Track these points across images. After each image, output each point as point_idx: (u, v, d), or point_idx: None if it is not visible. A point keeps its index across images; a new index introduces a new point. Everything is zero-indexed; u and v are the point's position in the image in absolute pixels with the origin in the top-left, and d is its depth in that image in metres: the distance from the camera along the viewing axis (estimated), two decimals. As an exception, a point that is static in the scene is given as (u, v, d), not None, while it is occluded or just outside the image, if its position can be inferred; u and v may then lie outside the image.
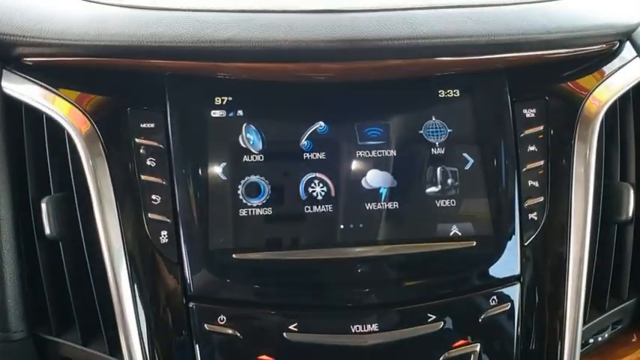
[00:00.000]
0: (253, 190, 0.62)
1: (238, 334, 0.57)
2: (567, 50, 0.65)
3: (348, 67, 0.62)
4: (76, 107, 0.59)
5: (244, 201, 0.61)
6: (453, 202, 0.63)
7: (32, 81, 0.60)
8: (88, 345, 0.60)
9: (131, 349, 0.56)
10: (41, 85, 0.60)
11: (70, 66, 0.61)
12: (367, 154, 0.63)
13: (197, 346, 0.57)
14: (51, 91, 0.60)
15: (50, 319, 0.60)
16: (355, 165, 0.63)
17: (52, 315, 0.60)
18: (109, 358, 0.59)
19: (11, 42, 0.59)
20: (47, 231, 0.59)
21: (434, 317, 0.59)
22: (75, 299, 0.60)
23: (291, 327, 0.57)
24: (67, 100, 0.60)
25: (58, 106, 0.60)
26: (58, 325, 0.60)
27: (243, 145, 0.62)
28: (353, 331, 0.58)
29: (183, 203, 0.59)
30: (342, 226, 0.61)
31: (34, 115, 0.60)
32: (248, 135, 0.63)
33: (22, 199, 0.61)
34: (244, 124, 0.63)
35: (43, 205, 0.59)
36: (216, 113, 0.63)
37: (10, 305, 0.59)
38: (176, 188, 0.60)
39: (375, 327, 0.58)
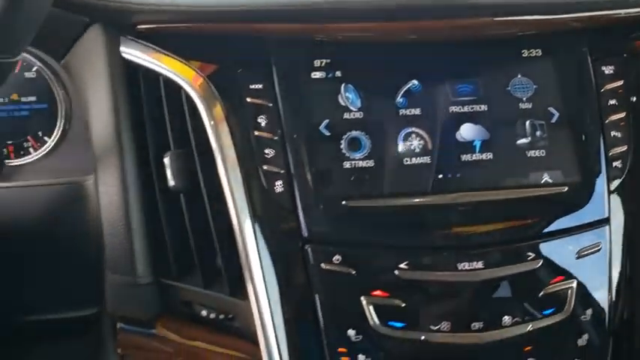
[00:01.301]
0: (355, 144, 0.66)
1: (352, 272, 0.61)
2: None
3: (444, 25, 0.66)
4: (194, 70, 0.64)
5: (347, 154, 0.65)
6: (542, 152, 0.67)
7: (150, 47, 0.65)
8: (208, 288, 0.64)
9: (256, 289, 0.60)
10: (159, 50, 0.65)
11: (182, 32, 0.66)
12: (459, 109, 0.68)
13: (314, 283, 0.61)
14: (168, 55, 0.65)
15: (171, 265, 0.65)
16: (449, 119, 0.68)
17: (174, 262, 0.64)
18: (228, 298, 0.64)
19: (128, 10, 0.64)
20: (171, 183, 0.64)
21: (532, 255, 0.63)
22: (196, 246, 0.64)
23: (401, 265, 0.61)
24: (184, 63, 0.65)
25: (177, 69, 0.65)
26: (178, 271, 0.65)
27: (343, 103, 0.67)
28: (459, 268, 0.61)
29: (294, 156, 0.64)
30: (440, 175, 0.66)
31: (152, 78, 0.65)
32: (347, 94, 0.68)
33: (142, 156, 0.65)
34: (343, 84, 0.68)
35: (166, 160, 0.64)
36: (316, 74, 0.68)
37: (138, 253, 0.63)
38: (287, 142, 0.64)
39: (479, 264, 0.62)
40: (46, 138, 0.82)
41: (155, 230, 0.64)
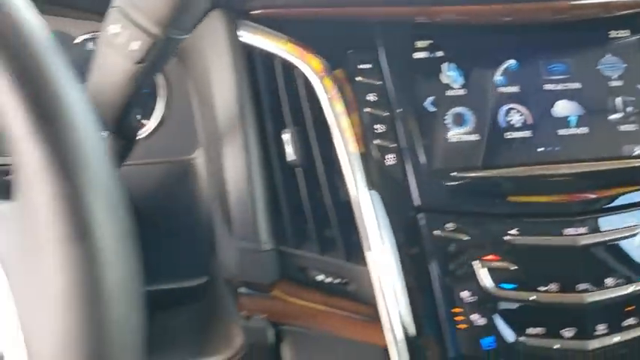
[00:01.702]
0: (459, 120, 0.70)
1: (465, 238, 0.66)
2: None
3: (537, 8, 0.71)
4: (307, 51, 0.69)
5: (452, 129, 0.70)
6: (634, 127, 0.71)
7: (266, 30, 0.70)
8: (323, 255, 0.69)
9: (374, 256, 0.65)
10: (274, 34, 0.70)
11: (295, 16, 0.71)
12: (554, 87, 0.72)
13: (429, 249, 0.66)
14: (283, 38, 0.70)
15: (288, 234, 0.69)
16: (544, 97, 0.72)
17: (291, 231, 0.69)
18: (344, 264, 0.68)
19: None
20: (290, 158, 0.68)
21: (631, 221, 0.67)
22: (312, 216, 0.69)
23: (511, 232, 0.65)
24: (298, 45, 0.69)
25: (291, 51, 0.69)
26: (295, 239, 0.69)
27: (445, 82, 0.72)
28: (564, 234, 0.66)
29: (402, 131, 0.68)
30: (540, 149, 0.70)
31: (268, 59, 0.70)
32: (448, 72, 0.72)
33: (261, 133, 0.70)
34: (444, 63, 0.72)
35: (285, 137, 0.69)
36: (419, 55, 0.72)
37: (260, 221, 0.68)
38: (395, 118, 0.69)
39: (582, 230, 0.66)
40: (144, 121, 0.86)
41: (273, 201, 0.69)
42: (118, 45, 0.51)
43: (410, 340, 0.64)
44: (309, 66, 0.68)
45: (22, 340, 0.33)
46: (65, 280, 0.32)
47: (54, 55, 0.34)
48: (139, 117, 0.88)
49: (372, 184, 0.66)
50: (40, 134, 0.32)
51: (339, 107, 0.67)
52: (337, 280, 0.69)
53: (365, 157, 0.67)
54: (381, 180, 0.67)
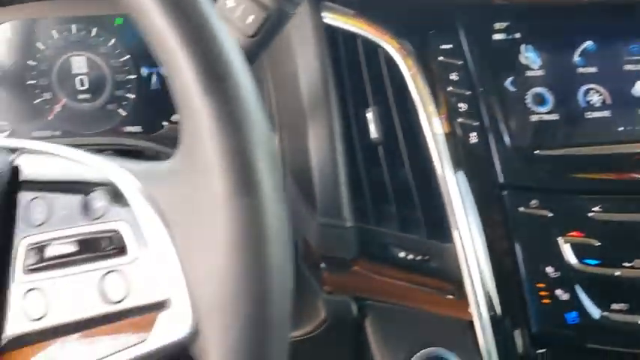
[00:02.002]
0: (539, 99, 0.71)
1: (549, 215, 0.67)
2: None
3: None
4: (390, 32, 0.70)
5: (532, 108, 0.71)
6: None
7: (348, 11, 0.72)
8: (404, 232, 0.70)
9: (460, 232, 0.66)
10: (357, 14, 0.71)
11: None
12: (633, 67, 0.73)
13: (513, 225, 0.67)
14: (366, 18, 0.71)
15: (369, 211, 0.71)
16: (623, 77, 0.73)
17: (372, 208, 0.71)
18: (426, 240, 0.69)
19: None
20: (374, 136, 0.70)
21: None
22: (393, 193, 0.70)
23: (594, 208, 0.66)
24: (381, 25, 0.71)
25: (374, 31, 0.71)
26: (376, 216, 0.71)
27: (524, 62, 0.73)
28: (647, 210, 0.67)
29: (485, 110, 0.70)
30: (620, 128, 0.71)
31: (351, 39, 0.71)
32: (527, 54, 0.73)
33: (344, 112, 0.72)
34: (522, 45, 0.73)
35: (369, 115, 0.70)
36: (497, 36, 0.73)
37: (343, 199, 0.70)
38: (477, 97, 0.70)
39: (666, 206, 0.67)
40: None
41: (355, 179, 0.70)
42: (234, 19, 0.52)
43: (494, 315, 0.65)
44: (391, 46, 0.69)
45: (185, 286, 0.35)
46: (235, 230, 0.34)
47: (216, 17, 0.36)
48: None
49: (456, 162, 0.67)
50: (214, 91, 0.34)
51: (423, 86, 0.69)
52: (418, 257, 0.70)
53: (449, 135, 0.68)
54: (465, 158, 0.68)
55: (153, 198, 0.37)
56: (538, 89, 0.71)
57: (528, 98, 0.70)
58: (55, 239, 0.38)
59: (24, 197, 0.39)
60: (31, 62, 0.86)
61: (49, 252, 0.38)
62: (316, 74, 0.70)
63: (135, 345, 0.36)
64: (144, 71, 0.88)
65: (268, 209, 0.34)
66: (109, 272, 0.37)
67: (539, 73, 0.71)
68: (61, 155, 0.41)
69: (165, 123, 0.89)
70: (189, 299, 0.35)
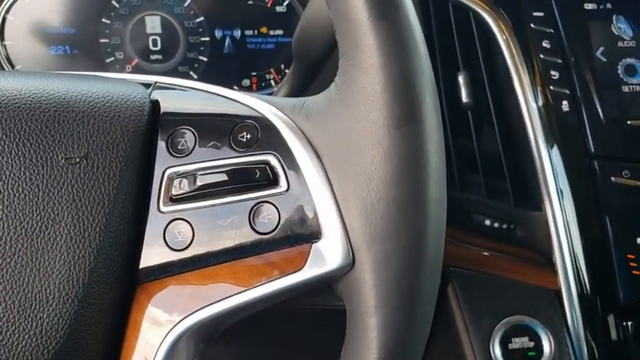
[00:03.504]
0: (631, 70, 0.70)
1: (640, 184, 0.66)
2: None
3: None
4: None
5: (624, 79, 0.70)
6: None
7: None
8: (491, 199, 0.69)
9: (551, 201, 0.65)
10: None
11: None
12: None
13: (604, 195, 0.66)
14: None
15: (455, 177, 0.70)
16: None
17: (458, 174, 0.70)
18: (513, 209, 0.69)
19: None
20: (465, 100, 0.69)
21: None
22: (481, 159, 0.69)
23: (688, 181, 0.65)
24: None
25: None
26: (461, 182, 0.70)
27: (616, 33, 0.71)
28: None
29: (576, 79, 0.69)
30: None
31: (442, 3, 0.71)
32: (619, 24, 0.72)
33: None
34: (614, 15, 0.72)
35: (461, 79, 0.69)
36: (589, 6, 0.72)
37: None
38: (569, 66, 0.69)
39: None
40: (287, 71, 0.87)
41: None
42: None
43: (582, 286, 0.65)
44: (484, 11, 0.68)
45: (340, 218, 0.35)
46: (397, 162, 0.34)
47: None
48: (282, 66, 0.89)
49: (548, 130, 0.66)
50: (385, 19, 0.34)
51: (516, 52, 0.68)
52: (504, 225, 0.69)
53: (541, 103, 0.67)
54: (556, 126, 0.67)
55: (304, 131, 0.37)
56: (630, 60, 0.70)
57: (620, 69, 0.69)
58: (201, 170, 0.37)
59: (166, 129, 0.39)
60: (105, 20, 0.86)
61: (196, 182, 0.37)
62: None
63: (289, 274, 0.35)
64: (217, 34, 0.88)
65: (431, 140, 0.34)
66: (259, 203, 0.36)
67: (631, 44, 0.70)
68: (203, 90, 0.40)
69: (235, 87, 0.89)
70: (344, 231, 0.34)
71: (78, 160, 0.36)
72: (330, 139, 0.35)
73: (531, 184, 0.67)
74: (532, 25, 0.70)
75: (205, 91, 0.40)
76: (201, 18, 0.87)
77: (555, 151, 0.67)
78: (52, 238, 0.35)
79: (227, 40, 0.88)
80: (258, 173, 0.36)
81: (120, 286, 0.37)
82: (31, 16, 0.86)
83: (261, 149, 0.37)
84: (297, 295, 0.36)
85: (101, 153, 0.37)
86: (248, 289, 0.36)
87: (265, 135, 0.37)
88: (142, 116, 0.38)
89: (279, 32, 0.88)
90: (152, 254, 0.37)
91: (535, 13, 0.70)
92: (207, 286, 0.36)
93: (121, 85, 0.40)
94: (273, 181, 0.36)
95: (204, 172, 0.37)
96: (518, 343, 0.65)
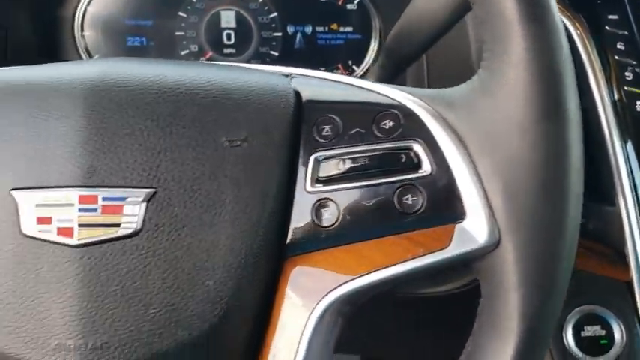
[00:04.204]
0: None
1: None
2: None
3: None
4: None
5: (696, 81, 0.73)
6: None
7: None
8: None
9: (625, 197, 0.68)
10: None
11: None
12: None
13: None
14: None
15: None
16: None
17: None
18: (585, 202, 0.71)
19: None
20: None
21: None
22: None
23: None
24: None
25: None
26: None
27: (685, 37, 0.74)
28: None
29: (652, 80, 0.72)
30: None
31: None
32: (689, 28, 0.75)
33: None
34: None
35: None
36: (660, 9, 0.75)
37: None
38: (642, 67, 0.72)
39: None
40: (354, 67, 0.91)
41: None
42: None
43: (654, 278, 0.68)
44: (564, 14, 0.71)
45: (483, 200, 0.38)
46: (540, 153, 0.37)
47: None
48: (350, 62, 0.92)
49: (623, 127, 0.69)
50: (533, 18, 0.37)
51: (592, 53, 0.71)
52: (577, 219, 0.72)
53: (616, 102, 0.70)
54: (631, 124, 0.70)
55: (446, 119, 0.40)
56: (701, 64, 0.72)
57: (691, 71, 0.72)
58: (347, 154, 0.41)
59: (310, 116, 0.42)
60: (181, 14, 0.89)
61: (343, 166, 0.41)
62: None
63: (434, 251, 0.39)
64: (289, 30, 0.91)
65: (574, 133, 0.37)
66: (403, 185, 0.40)
67: (702, 46, 0.73)
68: (341, 81, 0.44)
69: (304, 81, 0.92)
70: (489, 212, 0.38)
71: (239, 142, 0.40)
72: (474, 127, 0.39)
73: (605, 180, 0.70)
74: (607, 28, 0.73)
75: (342, 82, 0.44)
76: (275, 14, 0.90)
77: (630, 147, 0.70)
78: (217, 214, 0.39)
79: (298, 36, 0.91)
80: (404, 158, 0.40)
81: (271, 259, 0.40)
82: (110, 8, 0.89)
83: (404, 136, 0.40)
84: (438, 272, 0.39)
85: (257, 137, 0.40)
86: (394, 265, 0.39)
87: (408, 123, 0.40)
88: (288, 104, 0.42)
89: (349, 29, 0.91)
90: (300, 230, 0.41)
91: (610, 16, 0.73)
92: (354, 260, 0.40)
93: (266, 75, 0.44)
94: (418, 165, 0.40)
95: (350, 157, 0.40)
96: (590, 331, 0.68)
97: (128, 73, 0.41)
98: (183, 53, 0.91)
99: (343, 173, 0.40)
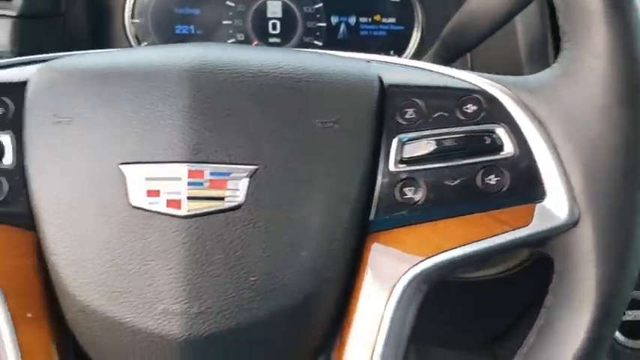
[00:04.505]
0: None
1: None
2: None
3: None
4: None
5: None
6: None
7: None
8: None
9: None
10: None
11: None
12: None
13: None
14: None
15: None
16: None
17: None
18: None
19: None
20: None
21: None
22: None
23: None
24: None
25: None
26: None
27: None
28: None
29: None
30: None
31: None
32: None
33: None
34: None
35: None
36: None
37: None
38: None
39: None
40: (397, 57, 0.93)
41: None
42: None
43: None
44: None
45: (564, 180, 0.41)
46: (623, 136, 0.40)
47: None
48: (392, 52, 0.95)
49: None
50: (615, 7, 0.39)
51: None
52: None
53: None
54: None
55: (528, 105, 0.43)
56: None
57: None
58: (431, 136, 0.43)
59: (394, 100, 0.44)
60: (229, 3, 0.92)
61: (427, 147, 0.43)
62: (534, 19, 0.74)
63: (517, 228, 0.41)
64: (333, 20, 0.93)
65: None
66: (486, 166, 0.42)
67: None
68: (420, 67, 0.46)
69: (346, 71, 0.94)
70: (569, 192, 0.40)
71: (331, 124, 0.42)
72: (555, 111, 0.41)
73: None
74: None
75: (421, 68, 0.46)
76: (320, 4, 0.93)
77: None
78: (311, 190, 0.42)
79: (342, 26, 0.94)
80: (488, 140, 0.42)
81: (357, 234, 0.43)
82: (160, -4, 0.92)
83: (486, 120, 0.43)
84: (517, 249, 0.42)
85: (346, 119, 0.43)
86: (477, 241, 0.42)
87: (490, 107, 0.43)
88: (373, 89, 0.44)
89: (392, 20, 0.94)
90: (384, 208, 0.43)
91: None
92: (438, 237, 0.42)
93: (350, 61, 0.46)
94: (500, 147, 0.42)
95: (434, 138, 0.43)
96: (632, 315, 0.71)
97: (226, 57, 0.43)
98: (229, 42, 0.93)
99: (427, 154, 0.43)
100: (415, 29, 0.93)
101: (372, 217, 0.43)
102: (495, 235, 0.41)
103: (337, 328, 0.44)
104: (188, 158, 0.40)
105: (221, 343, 0.40)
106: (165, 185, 0.40)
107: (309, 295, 0.41)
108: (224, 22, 0.93)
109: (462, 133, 0.43)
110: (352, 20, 0.94)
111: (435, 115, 0.43)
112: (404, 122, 0.44)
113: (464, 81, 0.44)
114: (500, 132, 0.42)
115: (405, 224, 0.43)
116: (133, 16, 0.92)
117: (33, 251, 0.43)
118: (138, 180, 0.40)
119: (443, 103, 0.44)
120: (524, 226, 0.41)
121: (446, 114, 0.43)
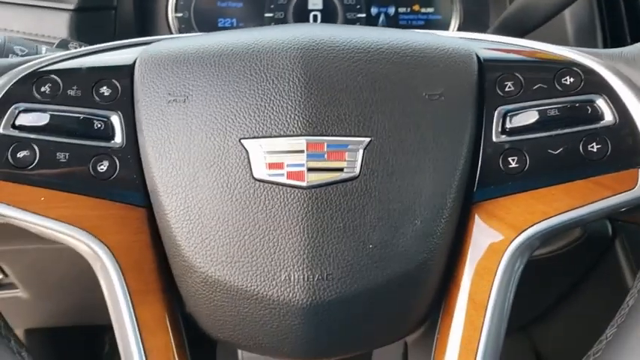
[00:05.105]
0: None
1: None
2: None
3: None
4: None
5: None
6: None
7: None
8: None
9: None
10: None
11: None
12: None
13: None
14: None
15: None
16: None
17: None
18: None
19: None
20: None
21: None
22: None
23: None
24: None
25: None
26: None
27: None
28: None
29: None
30: None
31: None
32: None
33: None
34: None
35: None
36: None
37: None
38: None
39: None
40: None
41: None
42: None
43: None
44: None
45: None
46: None
47: None
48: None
49: None
50: None
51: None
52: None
53: None
54: None
55: (627, 75, 0.44)
56: None
57: None
58: (534, 107, 0.45)
59: (492, 74, 0.46)
60: (271, -4, 0.93)
61: (527, 118, 0.45)
62: (583, 6, 0.76)
63: (621, 192, 0.43)
64: (373, 11, 0.95)
65: None
66: (588, 134, 0.44)
67: None
68: (513, 44, 0.48)
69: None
70: None
71: (437, 96, 0.44)
72: None
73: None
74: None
75: (515, 44, 0.48)
76: (360, -5, 0.94)
77: None
78: (422, 160, 0.43)
79: (382, 17, 0.96)
80: (589, 109, 0.44)
81: (463, 204, 0.45)
82: (202, -10, 0.93)
83: (585, 91, 0.45)
84: (622, 211, 0.44)
85: (451, 92, 0.45)
86: (583, 206, 0.43)
87: (589, 79, 0.45)
88: (472, 63, 0.46)
89: (430, 10, 0.96)
90: (488, 177, 0.45)
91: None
92: (542, 203, 0.44)
93: (447, 39, 0.48)
94: (601, 117, 0.44)
95: (535, 109, 0.45)
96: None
97: (333, 35, 0.45)
98: (271, 34, 0.94)
99: (530, 124, 0.45)
100: (453, 18, 0.95)
101: (476, 186, 0.45)
102: (601, 200, 0.43)
103: (442, 296, 0.46)
104: (307, 131, 0.42)
105: (341, 309, 0.42)
106: (287, 158, 0.42)
107: (422, 262, 0.43)
108: (266, 15, 0.95)
109: (563, 103, 0.44)
110: (391, 10, 0.96)
111: (535, 87, 0.45)
112: (504, 95, 0.45)
113: (559, 55, 0.46)
114: (600, 102, 0.44)
115: (509, 193, 0.44)
116: (176, 10, 0.93)
117: (146, 227, 0.44)
118: (259, 154, 0.42)
119: (541, 76, 0.45)
120: (628, 190, 0.43)
121: (545, 86, 0.45)
